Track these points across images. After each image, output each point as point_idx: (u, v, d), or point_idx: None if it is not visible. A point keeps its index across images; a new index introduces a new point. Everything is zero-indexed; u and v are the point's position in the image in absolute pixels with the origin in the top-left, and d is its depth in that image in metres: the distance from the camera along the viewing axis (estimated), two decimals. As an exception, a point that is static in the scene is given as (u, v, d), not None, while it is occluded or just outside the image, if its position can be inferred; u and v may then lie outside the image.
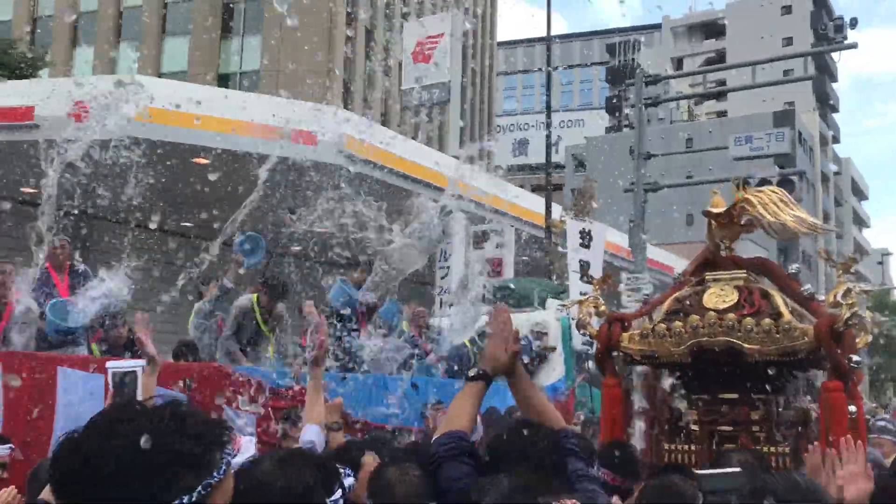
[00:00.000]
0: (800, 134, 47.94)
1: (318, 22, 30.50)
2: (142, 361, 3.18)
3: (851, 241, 66.98)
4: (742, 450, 3.59)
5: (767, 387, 3.99)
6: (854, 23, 16.70)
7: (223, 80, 31.52)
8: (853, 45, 15.53)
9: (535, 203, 19.07)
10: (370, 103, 33.40)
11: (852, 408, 3.62)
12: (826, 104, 62.19)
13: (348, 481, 2.43)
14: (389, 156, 14.40)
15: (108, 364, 3.21)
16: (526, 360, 9.71)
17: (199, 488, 1.31)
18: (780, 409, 4.12)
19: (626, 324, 4.17)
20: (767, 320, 3.78)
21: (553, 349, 9.71)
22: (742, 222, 4.15)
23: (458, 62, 20.64)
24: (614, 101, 41.43)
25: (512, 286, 11.73)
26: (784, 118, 39.97)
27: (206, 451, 1.34)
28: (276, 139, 13.14)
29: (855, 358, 3.71)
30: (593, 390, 9.31)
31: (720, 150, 17.99)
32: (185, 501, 1.28)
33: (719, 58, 55.83)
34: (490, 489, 2.17)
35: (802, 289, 4.05)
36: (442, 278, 16.75)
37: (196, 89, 15.54)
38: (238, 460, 2.75)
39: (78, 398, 4.25)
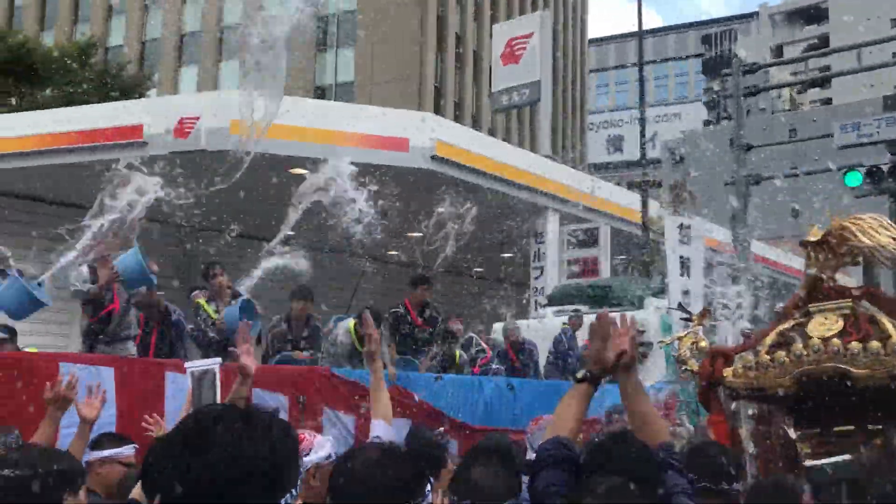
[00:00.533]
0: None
1: (408, 31, 30.93)
2: (218, 360, 3.25)
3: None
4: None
5: (880, 415, 3.78)
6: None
7: (319, 93, 32.33)
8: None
9: (632, 200, 18.74)
10: (461, 108, 33.58)
11: None
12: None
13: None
14: (480, 158, 14.44)
15: (186, 364, 3.33)
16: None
17: (287, 497, 1.38)
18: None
19: (729, 358, 4.04)
20: (875, 343, 3.61)
21: (650, 345, 9.51)
22: (841, 251, 4.00)
23: (549, 61, 20.49)
24: (712, 93, 40.29)
25: (608, 285, 11.55)
26: (893, 103, 37.93)
27: (293, 463, 1.41)
28: (370, 148, 13.42)
29: None
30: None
31: (825, 138, 17.20)
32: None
33: (822, 43, 53.46)
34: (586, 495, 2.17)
35: None
36: (536, 279, 16.68)
37: (290, 101, 16.01)
38: (311, 458, 2.83)
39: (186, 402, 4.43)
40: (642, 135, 16.43)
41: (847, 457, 2.57)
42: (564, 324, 10.07)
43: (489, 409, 6.23)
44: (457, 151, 14.14)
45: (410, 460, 2.09)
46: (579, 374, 2.67)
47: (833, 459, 2.53)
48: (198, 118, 12.78)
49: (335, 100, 30.10)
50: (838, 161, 16.39)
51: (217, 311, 6.66)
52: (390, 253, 19.83)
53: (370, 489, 1.94)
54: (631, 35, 68.11)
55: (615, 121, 65.30)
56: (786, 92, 50.81)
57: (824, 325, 3.85)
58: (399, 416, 5.80)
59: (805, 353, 3.72)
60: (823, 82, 50.68)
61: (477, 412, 6.19)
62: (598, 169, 48.01)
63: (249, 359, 3.05)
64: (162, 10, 35.19)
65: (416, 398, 5.75)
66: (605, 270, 17.00)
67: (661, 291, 10.78)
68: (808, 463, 2.46)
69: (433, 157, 13.73)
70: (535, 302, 16.10)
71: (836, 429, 3.83)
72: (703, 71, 56.23)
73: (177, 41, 34.94)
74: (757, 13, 65.83)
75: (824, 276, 4.05)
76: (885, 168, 14.84)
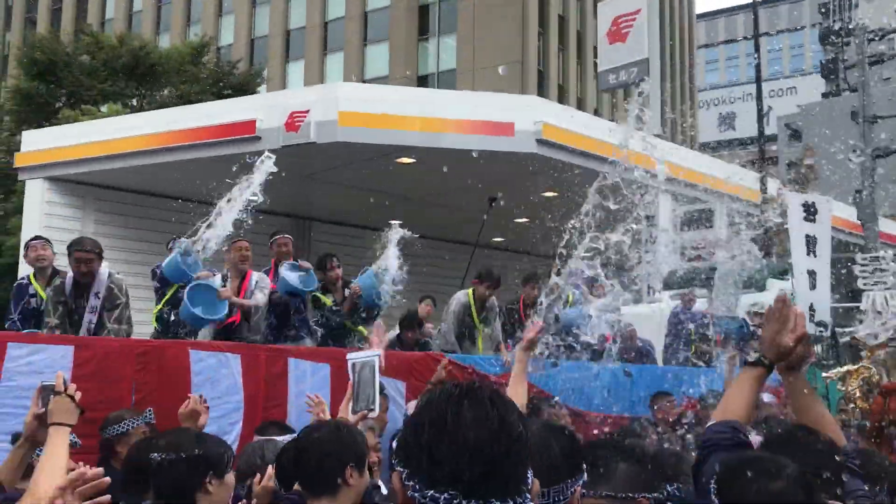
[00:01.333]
0: None
1: (510, 15, 30.67)
2: (378, 352, 3.35)
3: None
4: None
5: None
6: None
7: (422, 81, 32.53)
8: None
9: (748, 178, 17.97)
10: (565, 90, 33.09)
11: None
12: None
13: None
14: (586, 140, 14.14)
15: (349, 356, 3.39)
16: (755, 344, 9.18)
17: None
18: None
19: None
20: None
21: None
22: None
23: (656, 38, 19.88)
24: (831, 63, 38.28)
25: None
26: None
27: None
28: (476, 133, 13.36)
29: None
30: (818, 373, 8.62)
31: (961, 105, 16.03)
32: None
33: (955, 4, 49.75)
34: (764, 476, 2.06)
35: None
36: (648, 262, 16.25)
37: (394, 91, 16.13)
38: None
39: (307, 388, 4.51)
40: (759, 111, 15.70)
41: None
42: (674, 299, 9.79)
43: (606, 397, 6.09)
44: (563, 134, 13.90)
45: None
46: (752, 358, 2.54)
47: None
48: (307, 112, 13.02)
49: (438, 88, 30.22)
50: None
51: (334, 302, 6.82)
52: (495, 240, 19.78)
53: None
54: (741, 8, 65.35)
55: (726, 98, 63.00)
56: (913, 59, 47.67)
57: None
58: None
59: None
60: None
61: (593, 399, 6.06)
62: (711, 148, 46.43)
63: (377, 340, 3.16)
64: (269, 8, 36.18)
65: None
66: (723, 252, 16.39)
67: (783, 272, 10.29)
68: None
69: (539, 141, 13.55)
70: (649, 287, 15.70)
71: None
72: (821, 41, 53.38)
73: (284, 37, 35.88)
74: (878, -25, 62.02)
75: None
76: None
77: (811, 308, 10.52)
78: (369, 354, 3.28)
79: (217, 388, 4.60)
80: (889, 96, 35.82)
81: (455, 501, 1.28)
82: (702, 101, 53.65)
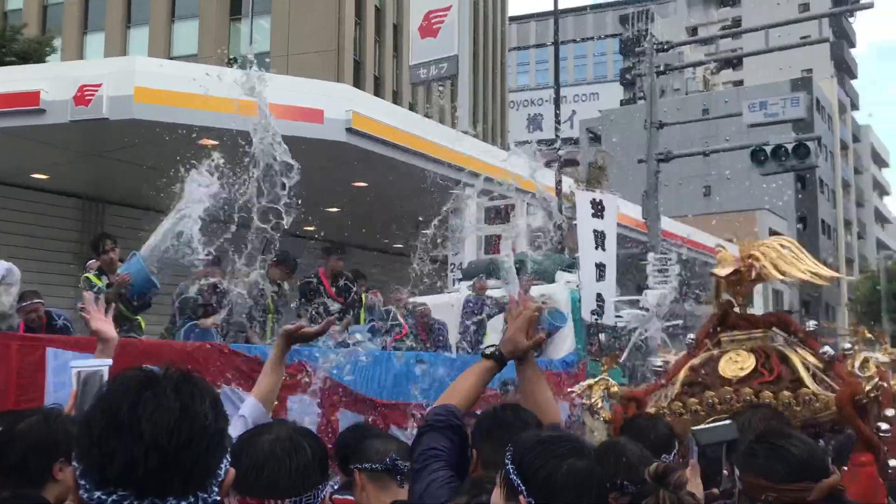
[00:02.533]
0: (817, 101, 47.18)
1: (325, 2, 30.30)
2: (109, 361, 2.85)
3: (872, 210, 66.12)
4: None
5: None
6: (870, -19, 16.26)
7: (233, 63, 31.40)
8: (869, 5, 15.14)
9: (550, 178, 18.88)
10: (381, 82, 33.19)
11: None
12: (844, 71, 61.20)
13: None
14: (397, 132, 14.26)
15: (72, 363, 2.93)
16: (542, 334, 9.60)
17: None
18: None
19: (642, 403, 3.93)
20: (786, 393, 3.58)
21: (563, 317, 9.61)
22: (751, 278, 3.95)
23: (467, 35, 20.37)
24: (628, 72, 40.95)
25: (520, 259, 11.62)
26: (801, 85, 39.38)
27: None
28: (283, 118, 13.06)
29: (884, 427, 3.48)
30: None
31: (734, 117, 17.67)
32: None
33: (735, 26, 54.95)
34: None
35: (822, 351, 3.78)
36: (454, 255, 16.66)
37: (198, 69, 15.46)
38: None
39: (68, 379, 4.19)
40: (556, 115, 16.53)
41: (728, 422, 2.66)
42: (469, 289, 10.11)
43: (398, 383, 6.13)
44: (373, 124, 13.92)
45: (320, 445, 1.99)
46: (488, 350, 2.66)
47: (716, 424, 2.58)
48: (100, 85, 12.18)
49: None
50: (749, 140, 16.87)
51: (109, 286, 6.40)
52: (307, 228, 19.50)
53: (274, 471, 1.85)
54: (551, 14, 68.59)
55: (535, 99, 65.80)
56: (699, 73, 52.06)
57: (736, 363, 3.78)
58: (302, 392, 5.67)
59: (717, 401, 3.67)
60: (735, 64, 52.09)
61: (385, 386, 6.09)
62: (520, 147, 48.30)
63: (101, 323, 2.90)
64: (65, -27, 33.55)
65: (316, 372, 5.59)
66: (521, 245, 17.09)
67: (572, 266, 10.89)
68: (695, 428, 2.48)
69: (349, 130, 13.49)
70: (453, 278, 16.10)
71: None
72: (621, 51, 57.08)
73: (81, 6, 33.38)
74: (673, -6, 67.18)
75: (736, 305, 3.96)
76: (789, 147, 15.31)
77: (599, 298, 11.24)
78: (97, 364, 2.80)
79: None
80: (677, 106, 38.98)
81: (125, 502, 1.17)
82: (512, 102, 55.69)
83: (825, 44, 37.85)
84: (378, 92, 30.35)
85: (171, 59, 29.82)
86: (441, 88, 29.93)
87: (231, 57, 31.69)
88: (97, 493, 1.17)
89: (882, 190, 72.40)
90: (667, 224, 20.07)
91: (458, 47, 19.11)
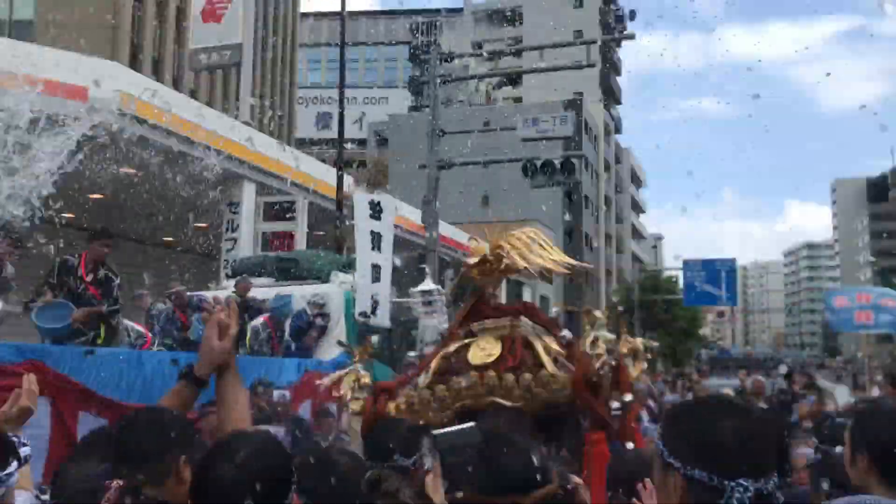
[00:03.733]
0: (586, 122, 50.86)
1: (102, -27, 28.22)
2: None
3: (630, 226, 72.29)
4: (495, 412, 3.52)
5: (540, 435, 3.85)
6: (633, 15, 17.90)
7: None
8: (631, 36, 16.55)
9: (333, 176, 18.79)
10: (161, 65, 31.40)
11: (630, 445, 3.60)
12: (610, 96, 66.42)
13: (24, 451, 2.14)
14: (170, 117, 13.52)
15: None
16: (314, 333, 9.48)
17: None
18: (555, 454, 4.06)
19: (393, 393, 3.92)
20: (527, 375, 3.68)
21: (328, 317, 9.53)
22: (500, 268, 4.10)
23: (251, 24, 19.79)
24: (416, 80, 41.76)
25: (294, 258, 11.41)
26: (572, 106, 42.19)
27: None
28: (46, 95, 11.94)
29: (616, 405, 3.65)
30: (376, 366, 9.25)
31: (511, 130, 18.55)
32: None
33: (516, 44, 57.94)
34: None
35: (561, 335, 3.99)
36: (228, 251, 16.09)
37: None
38: None
39: None
40: (340, 115, 16.51)
41: (471, 424, 2.63)
42: (233, 292, 9.73)
43: (149, 386, 5.71)
44: (144, 107, 13.11)
45: None
46: (184, 370, 2.44)
47: (457, 428, 2.56)
48: None
49: (10, 39, 26.57)
50: (525, 155, 17.79)
51: None
52: (65, 215, 17.96)
53: None
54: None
55: (325, 98, 65.36)
56: (482, 87, 54.25)
57: (484, 350, 3.86)
58: (41, 394, 5.14)
59: (463, 385, 3.73)
60: (515, 81, 54.88)
61: (134, 389, 5.66)
62: (307, 144, 47.73)
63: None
64: None
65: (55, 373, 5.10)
66: (300, 244, 16.87)
67: (348, 266, 10.85)
68: (435, 432, 2.44)
69: (117, 112, 12.58)
70: (227, 274, 15.55)
71: None
72: (410, 58, 58.22)
73: None
74: (462, 9, 69.57)
75: (486, 293, 4.07)
76: (557, 162, 16.29)
77: (373, 298, 11.29)
78: None
79: None
80: (460, 117, 40.35)
81: None
82: (302, 99, 54.95)
83: (595, 70, 40.84)
84: (158, 76, 28.67)
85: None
86: (225, 81, 28.83)
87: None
88: None
89: (639, 208, 79.47)
90: (445, 229, 20.66)
91: (242, 35, 18.51)
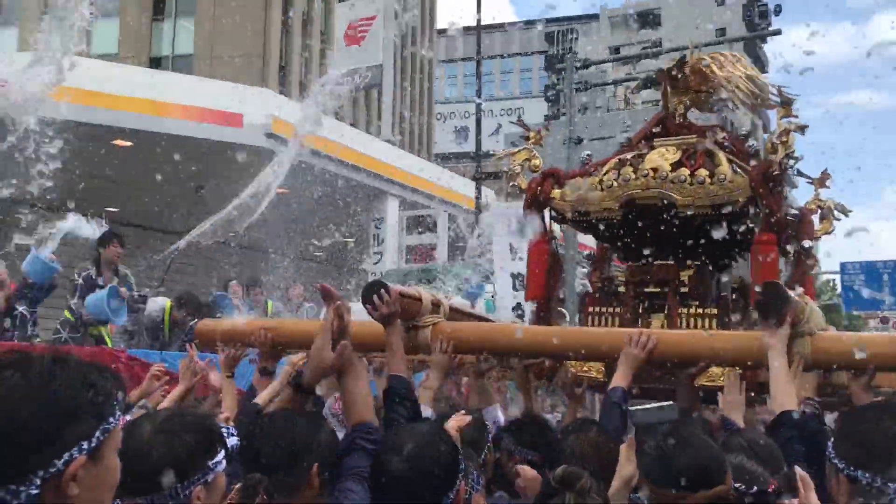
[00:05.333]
0: (731, 123, 48.90)
1: (253, 6, 29.95)
2: None
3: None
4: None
5: (699, 250, 3.78)
6: (778, 10, 17.13)
7: (155, 64, 30.68)
8: (777, 32, 15.87)
9: (472, 189, 19.08)
10: (307, 89, 32.91)
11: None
12: (758, 94, 63.56)
13: (232, 441, 2.30)
14: (319, 139, 14.18)
15: None
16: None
17: (98, 433, 1.29)
18: (715, 274, 3.93)
19: (560, 180, 3.96)
20: (703, 171, 3.58)
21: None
22: (697, 87, 3.94)
23: (391, 45, 20.45)
24: (552, 88, 41.57)
25: (435, 269, 11.72)
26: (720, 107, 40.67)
27: (104, 398, 1.33)
28: (202, 122, 12.86)
29: (807, 244, 3.53)
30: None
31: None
32: (84, 447, 1.25)
33: (654, 47, 56.57)
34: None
35: (747, 145, 3.86)
36: (375, 264, 16.67)
37: (114, 68, 15.11)
38: None
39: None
40: (478, 128, 16.77)
41: (667, 403, 2.69)
42: None
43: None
44: (293, 129, 13.83)
45: (196, 426, 2.01)
46: (296, 379, 2.51)
47: (654, 405, 2.61)
48: (4, 83, 11.78)
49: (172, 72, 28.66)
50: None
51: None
52: (231, 234, 19.15)
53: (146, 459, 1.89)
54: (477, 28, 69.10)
55: (462, 112, 66.24)
56: (620, 92, 53.30)
57: (663, 156, 3.81)
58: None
59: (633, 177, 3.67)
60: (653, 83, 53.50)
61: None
62: (446, 158, 48.51)
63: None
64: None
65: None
66: (442, 256, 17.23)
67: (488, 276, 11.01)
68: (632, 408, 2.50)
69: (269, 135, 13.38)
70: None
71: (657, 262, 3.84)
72: (546, 67, 58.08)
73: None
74: (598, 15, 68.72)
75: (677, 112, 4.01)
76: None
77: (517, 307, 11.35)
78: None
79: None
80: (599, 123, 39.85)
81: None
82: (440, 114, 55.95)
83: (739, 68, 39.32)
84: (303, 99, 30.09)
85: (91, 58, 28.98)
86: (350, 90, 29.84)
87: (153, 57, 31.03)
88: None
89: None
90: (583, 237, 20.46)
91: (382, 56, 19.15)
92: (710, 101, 4.03)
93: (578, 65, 16.87)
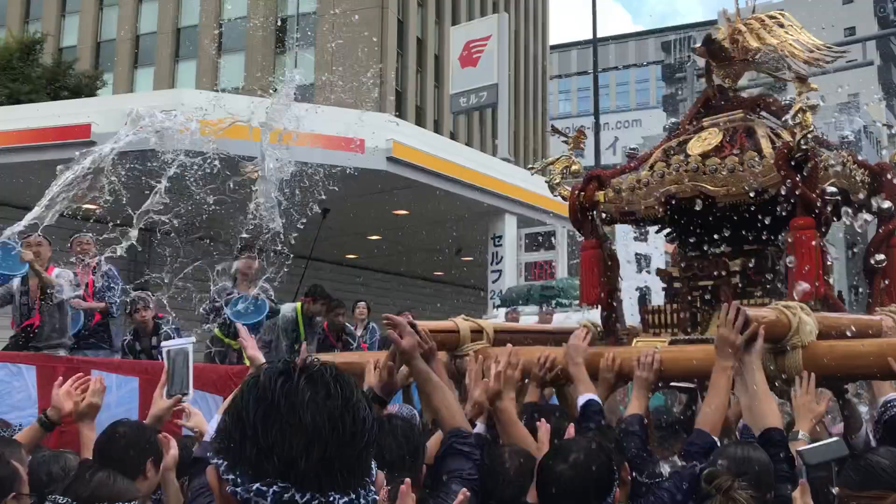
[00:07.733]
0: (865, 126, 46.31)
1: (368, 34, 30.80)
2: (192, 339, 3.46)
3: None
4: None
5: (753, 236, 3.71)
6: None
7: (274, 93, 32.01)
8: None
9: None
10: (422, 111, 33.51)
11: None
12: (893, 94, 60.08)
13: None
14: (436, 160, 14.37)
15: (163, 344, 3.78)
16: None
17: None
18: (770, 260, 3.77)
19: (604, 182, 3.87)
20: (733, 158, 3.46)
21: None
22: (741, 58, 3.77)
23: (506, 64, 20.52)
24: (671, 98, 40.73)
25: (554, 286, 11.62)
26: (847, 108, 38.75)
27: None
28: (325, 148, 13.25)
29: (830, 189, 3.35)
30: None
31: (778, 142, 17.46)
32: None
33: (779, 51, 54.35)
34: None
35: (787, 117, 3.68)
36: (494, 282, 16.67)
37: (239, 99, 15.83)
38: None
39: (113, 401, 4.26)
40: (596, 142, 16.56)
41: (836, 438, 2.64)
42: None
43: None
44: (413, 153, 14.06)
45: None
46: (369, 393, 2.74)
47: (823, 442, 2.55)
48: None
49: (294, 102, 29.77)
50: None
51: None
52: (349, 256, 19.67)
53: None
54: (591, 42, 68.57)
55: (577, 127, 65.72)
56: (743, 98, 51.60)
57: (705, 140, 3.69)
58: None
59: (667, 171, 3.57)
60: (779, 88, 51.50)
61: None
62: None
63: (253, 351, 3.36)
64: (117, 11, 34.62)
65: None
66: (561, 272, 17.04)
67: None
68: (800, 448, 2.46)
69: (389, 159, 13.64)
70: (494, 304, 16.12)
71: (712, 251, 3.74)
72: (663, 77, 56.86)
73: (132, 42, 34.41)
74: (716, 21, 66.85)
75: (724, 85, 3.86)
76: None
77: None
78: (182, 342, 3.40)
79: (7, 401, 4.29)
80: (721, 132, 38.71)
81: (286, 494, 1.10)
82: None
83: (871, 67, 37.29)
84: (419, 121, 30.67)
85: (218, 91, 30.54)
86: (481, 121, 30.08)
87: (274, 87, 32.38)
88: (255, 486, 1.11)
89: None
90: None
91: (497, 76, 19.25)
92: (759, 67, 3.83)
93: (699, 72, 16.40)
